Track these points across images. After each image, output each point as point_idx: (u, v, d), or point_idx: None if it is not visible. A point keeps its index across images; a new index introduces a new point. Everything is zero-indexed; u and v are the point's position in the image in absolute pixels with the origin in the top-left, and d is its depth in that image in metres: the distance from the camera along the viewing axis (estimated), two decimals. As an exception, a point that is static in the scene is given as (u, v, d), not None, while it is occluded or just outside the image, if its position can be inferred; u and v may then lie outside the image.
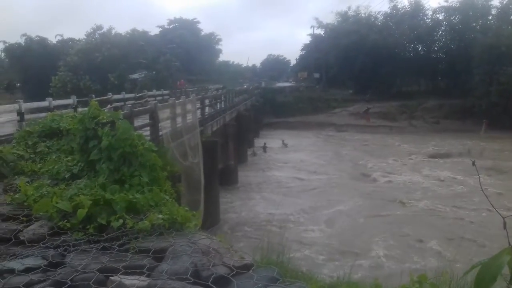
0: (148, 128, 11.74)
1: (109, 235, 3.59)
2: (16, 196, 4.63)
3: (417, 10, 56.00)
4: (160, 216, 3.76)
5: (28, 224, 3.92)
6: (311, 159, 31.93)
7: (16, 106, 12.41)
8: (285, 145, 38.18)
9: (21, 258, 3.20)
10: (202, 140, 16.39)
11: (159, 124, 12.22)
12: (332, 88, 60.26)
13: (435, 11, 55.00)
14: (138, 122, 11.61)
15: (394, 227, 16.98)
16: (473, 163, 2.04)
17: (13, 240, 3.58)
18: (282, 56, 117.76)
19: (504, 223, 1.63)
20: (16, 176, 5.74)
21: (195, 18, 72.77)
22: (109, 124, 5.03)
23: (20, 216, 4.07)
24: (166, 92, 33.00)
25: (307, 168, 28.73)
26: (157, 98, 26.28)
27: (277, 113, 52.29)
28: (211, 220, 14.84)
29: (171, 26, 72.06)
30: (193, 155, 14.31)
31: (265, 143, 37.44)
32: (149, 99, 24.65)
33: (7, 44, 64.59)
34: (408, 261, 13.54)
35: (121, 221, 3.71)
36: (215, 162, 18.85)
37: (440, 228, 16.79)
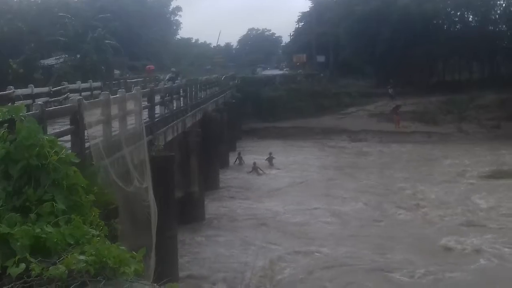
0: (69, 137, 11.66)
1: (4, 287, 3.56)
2: None
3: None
4: (83, 257, 3.74)
5: None
6: (315, 183, 32.03)
7: None
8: (270, 160, 37.48)
9: None
10: (151, 156, 16.35)
11: (86, 131, 12.16)
12: (344, 78, 60.81)
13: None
14: (54, 129, 11.54)
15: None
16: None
17: None
18: (269, 30, 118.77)
19: None
20: None
21: (139, -23, 73.28)
22: (5, 125, 5.00)
23: None
24: (96, 84, 32.95)
25: (307, 196, 28.86)
26: (84, 93, 26.24)
27: (263, 115, 52.67)
28: (164, 273, 14.76)
29: (103, -12, 72.26)
30: (139, 177, 14.25)
31: (239, 153, 38.66)
32: (70, 94, 24.55)
33: None
34: None
35: (23, 265, 3.67)
36: (170, 189, 18.78)
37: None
